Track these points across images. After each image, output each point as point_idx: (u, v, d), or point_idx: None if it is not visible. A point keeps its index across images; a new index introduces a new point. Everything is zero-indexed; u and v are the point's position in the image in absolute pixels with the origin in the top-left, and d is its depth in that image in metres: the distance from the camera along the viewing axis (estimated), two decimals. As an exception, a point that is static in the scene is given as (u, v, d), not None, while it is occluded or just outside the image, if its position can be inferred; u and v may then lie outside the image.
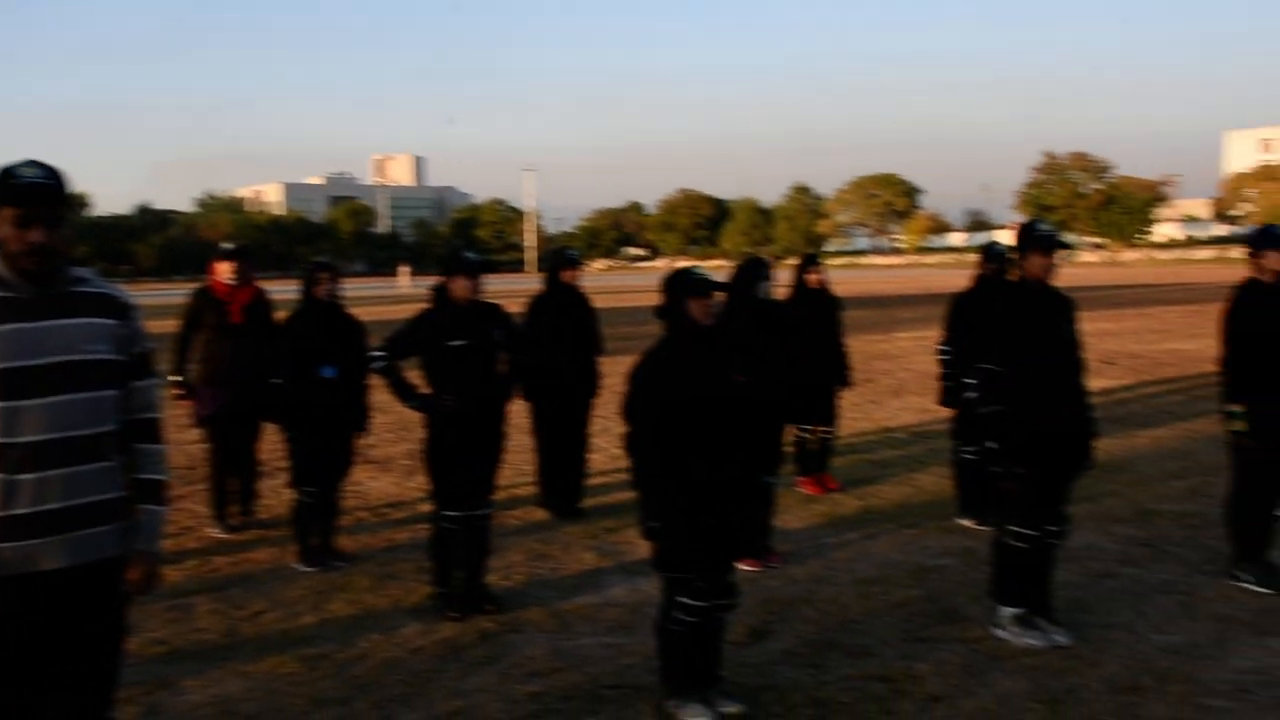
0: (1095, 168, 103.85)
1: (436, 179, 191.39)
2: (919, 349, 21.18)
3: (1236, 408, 6.77)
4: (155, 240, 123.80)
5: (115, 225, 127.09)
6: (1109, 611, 6.52)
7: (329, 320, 7.87)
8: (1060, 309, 6.16)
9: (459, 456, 6.70)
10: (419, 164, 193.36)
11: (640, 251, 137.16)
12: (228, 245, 9.06)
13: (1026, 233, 6.11)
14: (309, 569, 7.77)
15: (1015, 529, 6.06)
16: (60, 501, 3.60)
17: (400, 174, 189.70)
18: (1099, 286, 49.48)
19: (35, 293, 3.60)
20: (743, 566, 7.44)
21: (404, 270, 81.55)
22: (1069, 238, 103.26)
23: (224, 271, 8.79)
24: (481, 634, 6.42)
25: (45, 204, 3.56)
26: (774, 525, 7.87)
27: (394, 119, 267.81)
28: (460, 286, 6.65)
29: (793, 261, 10.68)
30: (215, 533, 8.81)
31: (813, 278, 9.78)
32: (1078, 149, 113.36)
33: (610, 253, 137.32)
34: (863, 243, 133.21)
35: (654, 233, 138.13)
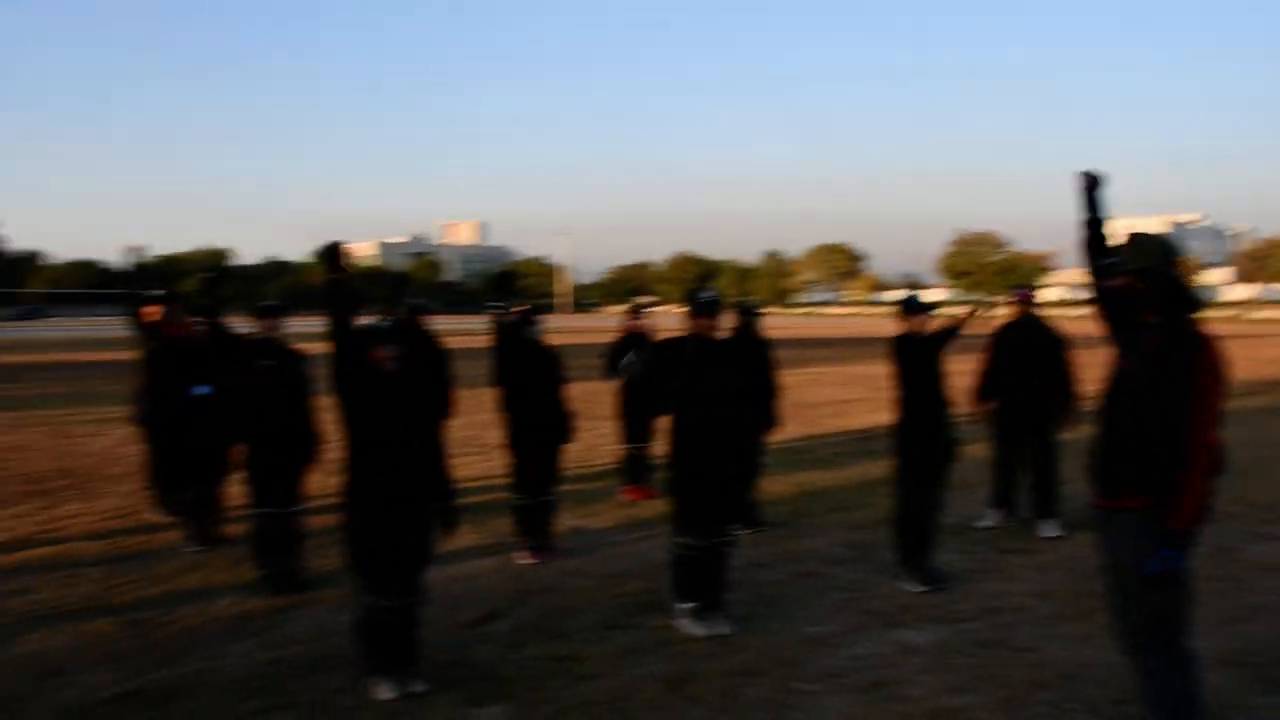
0: (995, 242, 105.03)
1: (496, 240, 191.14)
2: (804, 383, 20.88)
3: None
4: (278, 284, 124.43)
5: (251, 273, 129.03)
6: (785, 606, 6.22)
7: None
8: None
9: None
10: (482, 228, 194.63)
11: (650, 299, 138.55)
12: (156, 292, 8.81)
13: (690, 301, 5.86)
14: (192, 549, 7.60)
15: (685, 540, 5.79)
16: None
17: (468, 235, 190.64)
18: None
19: None
20: (526, 559, 7.28)
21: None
22: (981, 296, 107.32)
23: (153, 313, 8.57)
24: (273, 609, 6.17)
25: None
26: (556, 528, 7.61)
27: (462, 189, 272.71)
28: None
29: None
30: (152, 516, 8.58)
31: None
32: (985, 229, 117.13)
33: (624, 300, 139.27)
34: (824, 295, 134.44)
35: (660, 285, 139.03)
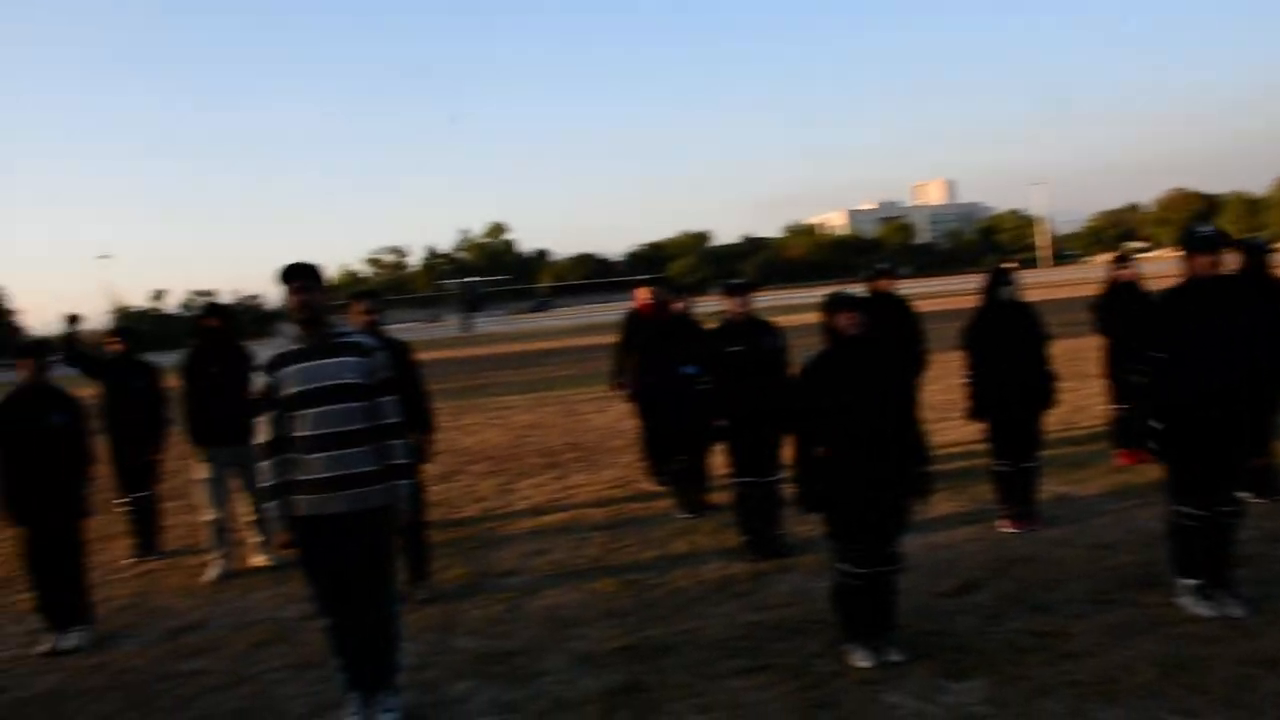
0: None
1: (966, 197, 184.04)
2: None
3: None
4: (754, 261, 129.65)
5: (728, 252, 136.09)
6: (1315, 588, 5.41)
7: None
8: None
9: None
10: (951, 186, 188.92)
11: (1140, 244, 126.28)
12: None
13: (1185, 238, 5.19)
14: (682, 516, 8.11)
15: (1184, 509, 5.21)
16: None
17: (937, 195, 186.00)
18: None
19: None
20: (1007, 527, 6.99)
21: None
22: None
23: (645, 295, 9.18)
24: (755, 574, 6.43)
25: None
26: (1039, 495, 7.17)
27: (931, 150, 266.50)
28: None
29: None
30: (647, 485, 9.30)
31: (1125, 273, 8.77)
32: None
33: (1112, 247, 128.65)
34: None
35: (1152, 228, 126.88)
